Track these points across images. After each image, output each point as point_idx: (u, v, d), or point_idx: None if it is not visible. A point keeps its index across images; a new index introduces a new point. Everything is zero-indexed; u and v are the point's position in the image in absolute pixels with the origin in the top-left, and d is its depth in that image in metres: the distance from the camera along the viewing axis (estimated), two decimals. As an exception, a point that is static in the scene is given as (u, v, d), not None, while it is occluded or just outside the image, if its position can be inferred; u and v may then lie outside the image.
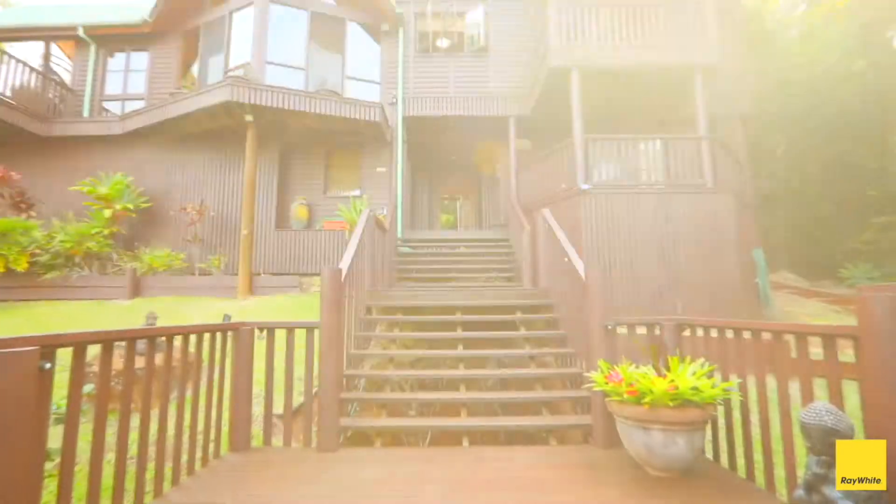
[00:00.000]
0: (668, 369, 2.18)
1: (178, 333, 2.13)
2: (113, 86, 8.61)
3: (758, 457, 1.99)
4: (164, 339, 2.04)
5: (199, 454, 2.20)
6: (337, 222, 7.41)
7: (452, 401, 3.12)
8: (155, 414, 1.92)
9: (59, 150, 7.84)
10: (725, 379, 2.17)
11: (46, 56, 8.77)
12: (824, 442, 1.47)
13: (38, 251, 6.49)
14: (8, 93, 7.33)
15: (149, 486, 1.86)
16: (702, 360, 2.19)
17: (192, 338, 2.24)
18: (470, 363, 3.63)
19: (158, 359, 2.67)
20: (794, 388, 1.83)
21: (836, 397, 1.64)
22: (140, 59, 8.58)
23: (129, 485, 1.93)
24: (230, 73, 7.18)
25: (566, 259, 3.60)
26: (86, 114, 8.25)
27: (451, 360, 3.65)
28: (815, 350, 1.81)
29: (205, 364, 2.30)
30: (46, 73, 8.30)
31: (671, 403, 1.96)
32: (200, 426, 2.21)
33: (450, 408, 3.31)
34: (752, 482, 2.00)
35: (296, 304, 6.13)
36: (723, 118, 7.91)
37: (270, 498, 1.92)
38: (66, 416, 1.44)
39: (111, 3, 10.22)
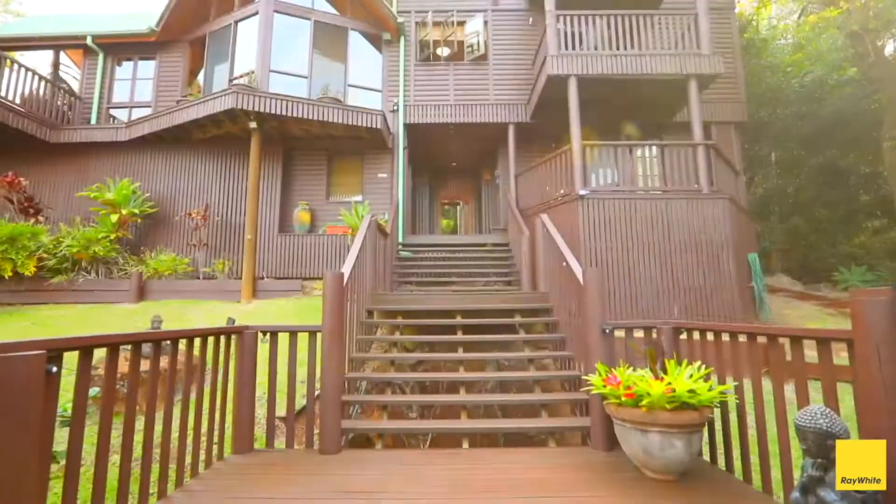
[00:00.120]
0: (665, 372, 2.20)
1: (183, 337, 2.16)
2: (120, 93, 8.77)
3: (754, 459, 2.00)
4: (168, 342, 2.07)
5: (202, 456, 2.23)
6: (339, 227, 7.48)
7: (453, 403, 3.14)
8: (159, 416, 1.95)
9: (66, 156, 7.97)
10: (722, 382, 2.18)
11: (56, 64, 8.94)
12: (820, 445, 1.48)
13: (45, 256, 6.58)
14: (17, 100, 7.47)
15: (153, 488, 1.88)
16: (698, 363, 2.22)
17: (197, 341, 2.27)
18: (470, 366, 3.66)
19: (163, 362, 2.72)
20: (790, 390, 1.85)
21: (832, 400, 1.66)
22: (147, 68, 8.74)
23: (134, 487, 1.97)
24: (235, 81, 7.30)
25: (564, 263, 3.63)
26: (93, 121, 8.39)
27: (452, 362, 3.67)
28: (811, 353, 1.83)
29: (209, 367, 2.33)
30: (55, 81, 8.46)
31: (668, 406, 1.98)
32: (204, 428, 2.23)
33: (450, 410, 3.33)
34: (748, 484, 2.01)
35: (298, 307, 6.18)
36: (718, 124, 8.02)
37: (273, 500, 1.94)
38: (71, 419, 1.45)
39: (119, 12, 10.43)
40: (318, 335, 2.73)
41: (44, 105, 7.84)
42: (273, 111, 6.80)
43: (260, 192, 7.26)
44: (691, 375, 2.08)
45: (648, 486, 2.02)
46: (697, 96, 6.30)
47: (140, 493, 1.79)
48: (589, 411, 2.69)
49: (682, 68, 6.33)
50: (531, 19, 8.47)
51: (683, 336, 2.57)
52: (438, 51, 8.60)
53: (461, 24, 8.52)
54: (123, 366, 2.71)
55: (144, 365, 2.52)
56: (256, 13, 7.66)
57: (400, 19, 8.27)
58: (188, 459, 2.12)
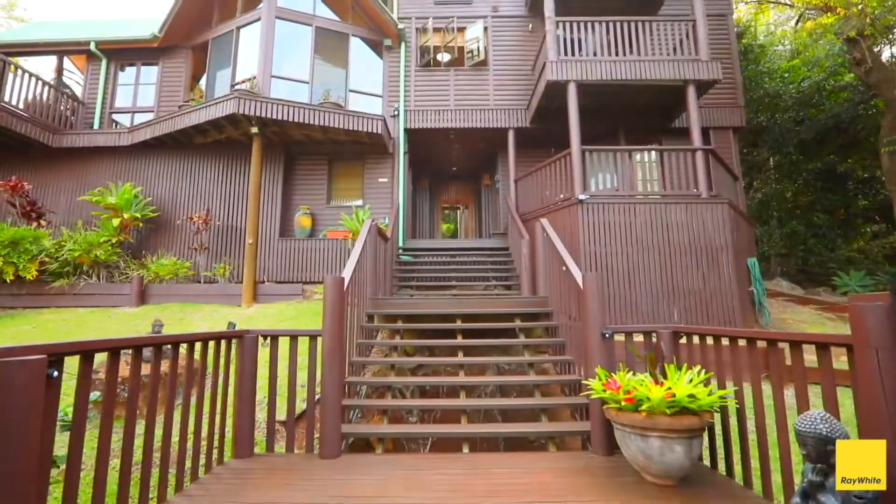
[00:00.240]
0: (665, 377, 2.20)
1: (184, 341, 2.16)
2: (123, 98, 8.83)
3: (755, 464, 2.00)
4: (169, 346, 2.08)
5: (202, 460, 2.23)
6: (340, 231, 7.50)
7: (453, 407, 3.14)
8: (160, 421, 1.95)
9: (69, 160, 8.01)
10: (722, 386, 2.19)
11: (59, 69, 9.01)
12: (819, 450, 1.48)
13: (47, 259, 6.60)
14: (21, 105, 7.52)
15: (153, 493, 1.88)
16: (698, 367, 2.22)
17: (198, 345, 2.28)
18: (470, 370, 3.66)
19: (164, 366, 2.72)
20: (790, 395, 1.85)
21: (832, 404, 1.66)
22: (150, 73, 8.81)
23: (134, 491, 1.97)
24: (237, 87, 7.36)
25: (564, 268, 3.64)
26: (96, 126, 8.45)
27: (452, 367, 3.67)
28: (810, 358, 1.83)
29: (209, 371, 2.34)
30: (59, 87, 8.53)
31: (668, 411, 1.98)
32: (204, 433, 2.23)
33: (450, 414, 3.33)
34: (749, 489, 2.00)
35: (299, 311, 6.18)
36: (716, 129, 8.09)
37: (272, 504, 1.94)
38: (72, 424, 1.45)
39: (122, 18, 10.53)
40: (319, 339, 2.74)
41: (47, 110, 7.90)
42: (274, 116, 6.84)
43: (261, 196, 7.29)
44: (691, 380, 2.08)
45: (649, 490, 2.01)
46: (696, 101, 6.35)
47: (140, 497, 1.79)
48: (589, 416, 2.69)
49: (680, 74, 6.38)
50: (531, 25, 8.56)
51: (683, 340, 2.58)
52: (439, 56, 8.67)
53: (461, 30, 8.60)
54: (124, 370, 2.72)
55: (145, 369, 2.53)
56: (258, 19, 7.74)
57: (401, 25, 8.35)
58: (188, 464, 2.12)
